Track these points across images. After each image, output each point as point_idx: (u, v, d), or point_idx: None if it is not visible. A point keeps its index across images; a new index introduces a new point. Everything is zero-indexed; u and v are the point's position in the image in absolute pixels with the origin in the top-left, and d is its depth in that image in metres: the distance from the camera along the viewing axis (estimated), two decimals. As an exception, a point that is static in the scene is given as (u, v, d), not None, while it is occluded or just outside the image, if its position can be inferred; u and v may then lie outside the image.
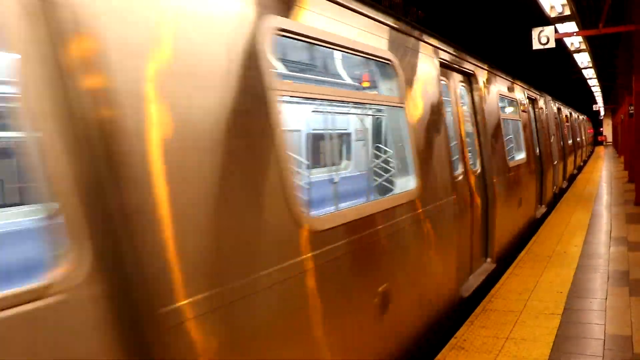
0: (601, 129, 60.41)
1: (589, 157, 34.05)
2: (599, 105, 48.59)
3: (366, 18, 3.67)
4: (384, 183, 5.20)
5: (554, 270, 6.30)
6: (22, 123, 1.61)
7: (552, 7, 11.70)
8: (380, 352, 3.48)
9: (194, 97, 2.09)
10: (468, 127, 6.25)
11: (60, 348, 1.57)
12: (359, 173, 7.27)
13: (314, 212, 3.34)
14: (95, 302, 1.68)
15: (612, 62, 22.51)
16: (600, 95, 40.02)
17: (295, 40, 2.91)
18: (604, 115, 57.45)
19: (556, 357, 3.92)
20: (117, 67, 1.80)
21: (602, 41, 16.87)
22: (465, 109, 6.28)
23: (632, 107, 13.01)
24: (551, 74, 34.12)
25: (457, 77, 5.98)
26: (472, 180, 5.95)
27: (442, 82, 5.26)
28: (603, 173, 20.52)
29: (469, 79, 6.39)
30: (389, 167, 4.92)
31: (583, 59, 19.41)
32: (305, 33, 2.89)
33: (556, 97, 15.78)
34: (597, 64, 21.45)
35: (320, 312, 2.78)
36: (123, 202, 1.79)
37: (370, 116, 6.12)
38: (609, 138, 54.89)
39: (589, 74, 24.65)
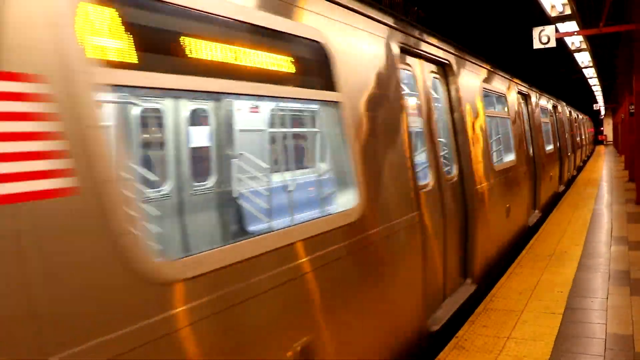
0: (602, 128, 60.39)
1: (590, 155, 34.08)
2: (600, 104, 48.54)
3: (502, 77, 8.25)
4: (505, 155, 8.73)
5: (555, 270, 6.31)
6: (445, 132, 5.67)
7: (552, 7, 11.70)
8: (507, 233, 7.34)
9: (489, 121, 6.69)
10: (526, 127, 10.09)
11: (455, 199, 5.41)
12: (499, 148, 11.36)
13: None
14: (457, 184, 5.51)
15: (613, 62, 22.50)
16: (601, 94, 39.98)
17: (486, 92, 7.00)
18: (605, 115, 57.39)
19: (557, 356, 3.92)
20: (463, 108, 5.77)
21: (603, 40, 16.85)
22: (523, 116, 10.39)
23: (633, 107, 13.01)
24: (552, 73, 34.07)
25: (521, 97, 9.99)
26: (530, 160, 9.72)
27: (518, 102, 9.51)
28: (604, 172, 20.51)
29: (526, 98, 10.54)
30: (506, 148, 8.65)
31: (583, 58, 19.37)
32: (488, 88, 7.03)
33: (556, 97, 15.87)
34: (597, 63, 21.44)
35: (496, 207, 6.59)
36: (472, 152, 5.76)
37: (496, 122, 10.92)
38: (610, 137, 54.85)
39: (590, 73, 24.62)
